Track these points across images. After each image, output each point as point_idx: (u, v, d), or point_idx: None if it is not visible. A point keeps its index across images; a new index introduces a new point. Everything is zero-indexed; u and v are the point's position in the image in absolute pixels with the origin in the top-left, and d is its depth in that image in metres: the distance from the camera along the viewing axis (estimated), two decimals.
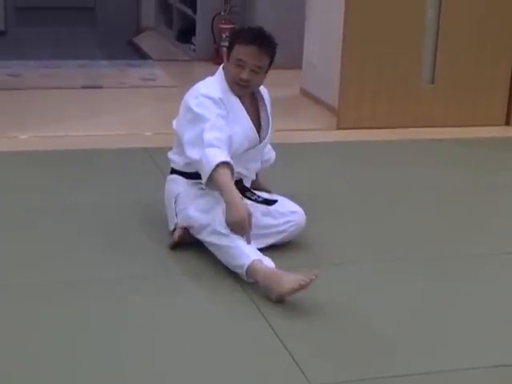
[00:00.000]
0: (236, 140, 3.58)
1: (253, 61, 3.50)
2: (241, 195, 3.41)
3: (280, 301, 3.20)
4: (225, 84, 3.59)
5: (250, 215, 3.35)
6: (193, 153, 3.49)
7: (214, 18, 7.55)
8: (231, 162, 3.41)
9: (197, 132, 3.49)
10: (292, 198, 3.79)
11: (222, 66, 3.65)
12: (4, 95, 6.12)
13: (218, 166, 3.37)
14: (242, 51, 3.49)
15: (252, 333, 3.03)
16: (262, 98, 3.74)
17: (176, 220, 3.66)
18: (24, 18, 8.43)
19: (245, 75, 3.51)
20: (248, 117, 3.63)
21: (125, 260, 3.54)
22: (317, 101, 6.20)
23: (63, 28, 8.44)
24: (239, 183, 3.63)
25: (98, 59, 7.44)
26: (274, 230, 3.61)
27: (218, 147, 3.42)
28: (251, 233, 3.40)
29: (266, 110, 3.73)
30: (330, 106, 5.92)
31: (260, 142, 3.69)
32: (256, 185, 3.85)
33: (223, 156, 3.40)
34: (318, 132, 5.64)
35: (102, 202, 4.16)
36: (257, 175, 3.88)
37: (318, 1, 6.18)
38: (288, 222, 3.64)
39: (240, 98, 3.62)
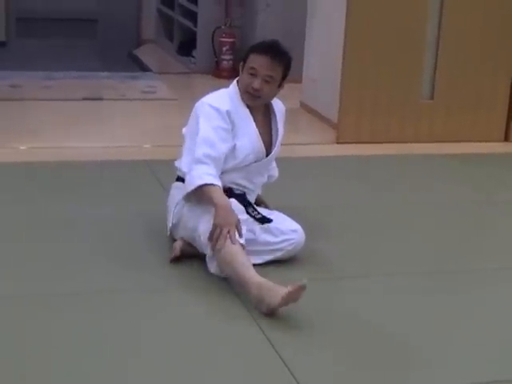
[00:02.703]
0: (242, 152, 3.60)
1: (265, 70, 3.54)
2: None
3: (271, 313, 3.17)
4: (237, 96, 3.62)
5: (238, 221, 3.37)
6: (185, 163, 3.57)
7: (214, 32, 7.58)
8: (217, 182, 3.46)
9: (193, 142, 3.55)
10: (292, 212, 3.79)
11: (236, 79, 3.68)
12: (4, 106, 6.12)
13: (202, 186, 3.43)
14: (255, 60, 3.54)
15: (250, 347, 3.02)
16: (274, 112, 3.75)
17: (170, 225, 3.68)
18: (25, 29, 8.43)
19: (256, 84, 3.54)
20: (257, 130, 3.64)
21: (124, 272, 3.54)
22: (316, 115, 6.21)
23: (64, 40, 8.44)
24: (241, 197, 3.64)
25: (98, 71, 7.44)
26: (271, 247, 3.60)
27: (207, 164, 3.47)
28: (248, 249, 3.41)
29: (277, 124, 3.74)
30: (330, 120, 5.93)
31: (267, 155, 3.71)
32: (255, 200, 3.84)
33: (209, 178, 3.45)
34: (317, 146, 5.65)
35: (101, 214, 4.15)
36: None
37: (318, 15, 6.20)
38: (287, 240, 3.63)
39: (252, 111, 3.63)
